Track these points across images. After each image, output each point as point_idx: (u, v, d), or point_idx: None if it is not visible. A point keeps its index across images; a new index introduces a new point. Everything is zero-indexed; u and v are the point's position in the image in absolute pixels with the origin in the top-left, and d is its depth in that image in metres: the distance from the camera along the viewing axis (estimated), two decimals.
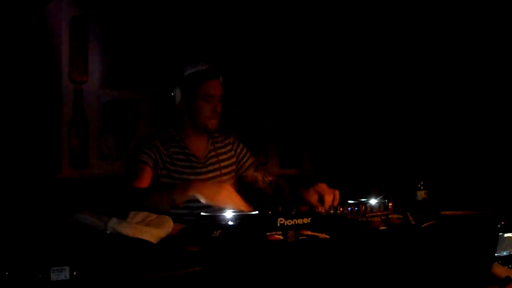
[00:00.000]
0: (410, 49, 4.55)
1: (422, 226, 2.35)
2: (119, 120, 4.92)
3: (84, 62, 4.68)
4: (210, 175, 2.86)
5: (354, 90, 4.90)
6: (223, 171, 2.91)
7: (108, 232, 1.87)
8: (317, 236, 2.01)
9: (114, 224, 1.87)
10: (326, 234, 2.05)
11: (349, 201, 2.35)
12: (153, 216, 2.01)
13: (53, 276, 1.44)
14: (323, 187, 2.55)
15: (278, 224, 1.92)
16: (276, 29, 4.96)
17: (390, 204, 2.41)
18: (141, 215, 1.99)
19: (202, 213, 2.05)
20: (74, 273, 1.46)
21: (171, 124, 2.90)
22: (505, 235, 1.98)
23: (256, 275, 1.72)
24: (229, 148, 3.00)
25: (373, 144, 4.74)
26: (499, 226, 1.96)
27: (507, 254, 1.97)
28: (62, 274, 1.44)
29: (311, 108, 5.14)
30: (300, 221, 1.98)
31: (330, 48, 4.99)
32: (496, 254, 1.95)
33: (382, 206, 2.36)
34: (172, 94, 2.79)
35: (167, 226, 1.94)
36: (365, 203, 2.32)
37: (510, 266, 1.94)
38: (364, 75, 4.85)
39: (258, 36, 4.94)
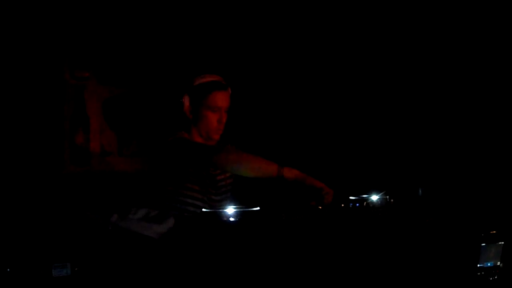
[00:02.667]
0: (411, 47, 4.54)
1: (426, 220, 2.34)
2: (121, 117, 4.92)
3: (86, 58, 4.68)
4: (218, 173, 2.91)
5: (354, 89, 4.90)
6: (227, 174, 2.97)
7: (109, 228, 1.88)
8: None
9: (115, 220, 1.87)
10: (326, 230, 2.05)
11: (350, 197, 2.34)
12: (155, 212, 2.02)
13: (55, 272, 1.44)
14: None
15: (280, 220, 1.92)
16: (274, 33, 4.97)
17: (391, 200, 2.40)
18: (142, 211, 1.99)
19: (204, 209, 2.05)
20: (76, 269, 1.47)
21: (180, 127, 2.93)
22: (489, 245, 1.93)
23: (256, 269, 1.73)
24: None
25: (374, 140, 4.73)
26: (481, 236, 1.92)
27: (492, 265, 1.94)
28: (64, 270, 1.45)
29: (311, 106, 5.14)
30: (301, 217, 1.98)
31: (329, 47, 4.99)
32: (479, 265, 1.91)
33: (383, 202, 2.36)
34: (180, 101, 2.81)
35: (169, 222, 1.94)
36: (366, 199, 2.32)
37: (495, 277, 1.90)
38: (363, 74, 4.84)
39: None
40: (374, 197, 2.37)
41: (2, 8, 4.08)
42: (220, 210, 2.01)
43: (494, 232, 1.97)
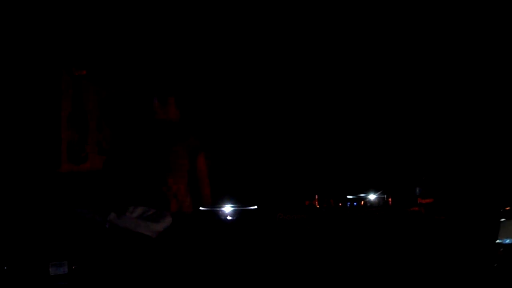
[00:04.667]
0: (409, 47, 4.53)
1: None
2: (118, 115, 4.90)
3: (84, 57, 4.66)
4: None
5: (355, 89, 4.89)
6: None
7: (107, 226, 1.87)
8: None
9: (113, 218, 1.86)
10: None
11: (348, 196, 2.35)
12: (152, 210, 2.01)
13: (52, 271, 1.44)
14: None
15: (277, 219, 1.92)
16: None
17: (389, 199, 2.41)
18: (140, 209, 1.98)
19: (201, 208, 2.05)
20: (73, 267, 1.46)
21: None
22: (509, 221, 1.89)
23: (255, 268, 1.73)
24: None
25: (372, 140, 4.73)
26: (501, 211, 1.90)
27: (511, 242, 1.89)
28: (61, 268, 1.44)
29: (312, 105, 5.14)
30: (298, 216, 1.98)
31: (329, 47, 4.98)
32: (498, 241, 1.88)
33: (381, 201, 2.36)
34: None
35: (166, 221, 1.94)
36: (364, 198, 2.32)
37: None
38: (365, 74, 4.84)
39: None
40: (372, 196, 2.37)
41: (1, 7, 4.05)
42: (218, 209, 2.00)
43: None
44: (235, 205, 2.14)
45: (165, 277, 1.54)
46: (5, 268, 1.41)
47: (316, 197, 2.55)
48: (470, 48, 4.14)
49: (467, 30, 4.14)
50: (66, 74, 4.57)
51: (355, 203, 2.25)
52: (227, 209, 2.00)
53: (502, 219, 1.93)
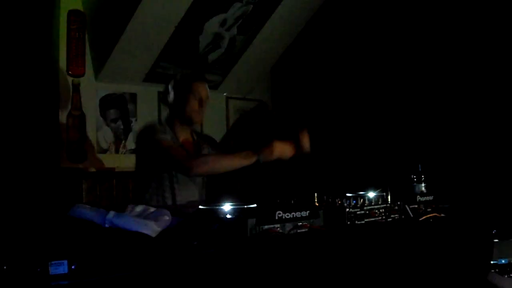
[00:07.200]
0: (408, 45, 4.54)
1: (420, 219, 2.35)
2: (116, 114, 4.91)
3: (82, 56, 4.67)
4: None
5: (352, 84, 4.90)
6: None
7: (106, 225, 1.87)
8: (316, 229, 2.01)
9: (112, 217, 1.87)
10: (323, 227, 2.05)
11: (347, 194, 2.35)
12: (151, 209, 2.02)
13: (52, 270, 1.44)
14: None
15: (276, 217, 1.92)
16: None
17: (388, 197, 2.40)
18: (139, 208, 1.99)
19: (200, 207, 2.05)
20: (73, 266, 1.46)
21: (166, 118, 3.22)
22: (502, 242, 1.89)
23: (254, 268, 1.73)
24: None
25: (371, 137, 4.74)
26: (493, 232, 1.89)
27: (506, 262, 1.89)
28: (61, 267, 1.44)
29: (311, 101, 5.14)
30: (298, 213, 1.98)
31: (329, 46, 4.99)
32: (492, 262, 1.88)
33: (380, 199, 2.36)
34: (167, 94, 3.14)
35: (165, 219, 1.94)
36: (363, 196, 2.32)
37: (510, 275, 1.86)
38: (362, 70, 4.84)
39: None
40: (371, 194, 2.37)
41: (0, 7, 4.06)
42: (217, 207, 2.00)
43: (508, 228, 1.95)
44: (234, 203, 2.14)
45: (165, 276, 1.54)
46: (4, 267, 1.41)
47: (315, 195, 2.55)
48: (470, 48, 4.15)
49: (466, 30, 4.15)
50: (65, 73, 4.57)
51: (354, 201, 2.25)
52: (226, 207, 2.00)
53: (496, 240, 1.93)
